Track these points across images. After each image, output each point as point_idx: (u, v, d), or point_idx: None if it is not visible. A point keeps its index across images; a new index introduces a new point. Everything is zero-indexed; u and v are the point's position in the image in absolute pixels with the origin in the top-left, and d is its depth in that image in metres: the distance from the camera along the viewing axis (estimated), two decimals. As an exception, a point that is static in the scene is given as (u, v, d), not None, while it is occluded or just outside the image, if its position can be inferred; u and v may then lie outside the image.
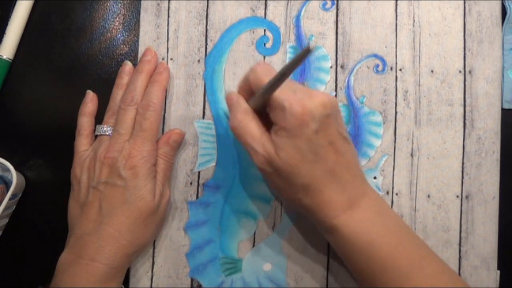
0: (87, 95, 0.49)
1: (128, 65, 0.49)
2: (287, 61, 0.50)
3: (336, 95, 0.50)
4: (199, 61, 0.50)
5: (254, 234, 0.49)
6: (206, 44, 0.50)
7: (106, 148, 0.45)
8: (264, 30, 0.50)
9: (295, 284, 0.49)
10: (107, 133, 0.46)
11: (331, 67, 0.50)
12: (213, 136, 0.49)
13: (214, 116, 0.49)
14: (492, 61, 0.49)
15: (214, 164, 0.49)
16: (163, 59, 0.50)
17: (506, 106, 0.49)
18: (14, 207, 0.50)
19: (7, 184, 0.48)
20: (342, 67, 0.50)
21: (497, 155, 0.49)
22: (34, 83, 0.50)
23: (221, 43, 0.50)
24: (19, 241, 0.50)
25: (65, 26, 0.51)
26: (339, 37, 0.50)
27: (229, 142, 0.49)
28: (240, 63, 0.50)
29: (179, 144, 0.48)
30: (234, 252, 0.49)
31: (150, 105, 0.45)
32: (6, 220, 0.49)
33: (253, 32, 0.50)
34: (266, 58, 0.50)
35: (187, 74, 0.50)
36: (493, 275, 0.48)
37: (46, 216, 0.50)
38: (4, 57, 0.49)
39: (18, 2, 0.49)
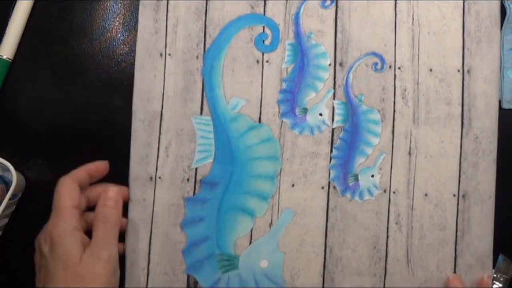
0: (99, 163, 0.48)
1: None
2: (286, 58, 0.50)
3: (334, 93, 0.50)
4: (197, 57, 0.50)
5: (251, 231, 0.49)
6: (205, 40, 0.50)
7: None
8: (263, 27, 0.50)
9: (291, 281, 0.49)
10: None
11: (329, 64, 0.50)
12: (210, 132, 0.49)
13: (212, 113, 0.49)
14: (491, 61, 0.49)
15: (211, 160, 0.49)
16: (161, 54, 0.50)
17: (506, 106, 0.49)
18: (14, 207, 0.50)
19: (7, 184, 0.48)
20: (340, 64, 0.50)
21: (493, 155, 0.49)
22: (34, 83, 0.50)
23: (219, 39, 0.50)
24: (19, 241, 0.50)
25: (65, 26, 0.51)
26: (338, 35, 0.50)
27: (227, 138, 0.49)
28: (239, 60, 0.49)
29: (117, 202, 0.45)
30: (231, 249, 0.49)
31: None
32: (6, 220, 0.49)
33: (252, 29, 0.50)
34: (265, 55, 0.50)
35: (185, 70, 0.49)
36: (488, 274, 0.48)
37: (46, 216, 0.48)
38: (4, 57, 0.49)
39: (18, 2, 0.49)
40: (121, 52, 0.51)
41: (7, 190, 0.46)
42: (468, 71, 0.49)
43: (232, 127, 0.49)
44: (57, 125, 0.50)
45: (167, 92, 0.49)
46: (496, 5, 0.49)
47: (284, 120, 0.49)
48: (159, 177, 0.49)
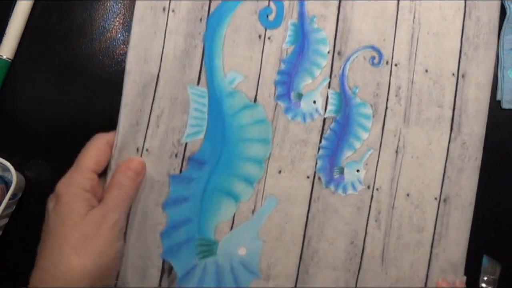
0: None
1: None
2: (287, 38, 0.47)
3: (330, 82, 0.48)
4: (201, 19, 0.45)
5: (234, 216, 0.46)
6: (210, 2, 0.46)
7: None
8: (269, 1, 0.47)
9: (268, 270, 0.47)
10: None
11: (328, 52, 0.48)
12: (205, 106, 0.45)
13: (208, 84, 0.45)
14: (486, 68, 0.50)
15: (202, 136, 0.45)
16: (164, 9, 0.45)
17: (506, 106, 0.50)
18: (14, 207, 0.49)
19: (7, 184, 0.48)
20: (339, 53, 0.48)
21: (478, 162, 0.50)
22: (34, 83, 0.50)
23: (225, 4, 0.46)
24: (19, 241, 0.49)
25: (65, 26, 0.51)
26: (340, 23, 0.48)
27: (220, 115, 0.45)
28: (241, 32, 0.46)
29: (139, 174, 0.43)
30: (211, 234, 0.46)
31: None
32: (6, 220, 0.49)
33: (257, 0, 0.47)
34: (268, 31, 0.47)
35: (187, 31, 0.45)
36: (461, 279, 0.49)
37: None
38: (4, 57, 0.49)
39: (18, 2, 0.49)
40: (121, 52, 0.50)
41: (7, 190, 0.46)
42: (463, 76, 0.49)
43: (227, 103, 0.46)
44: (57, 125, 0.50)
45: (166, 54, 0.45)
46: (496, 12, 0.50)
47: (279, 102, 0.47)
48: (147, 149, 0.44)
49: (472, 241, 0.49)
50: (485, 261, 0.46)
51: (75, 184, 0.40)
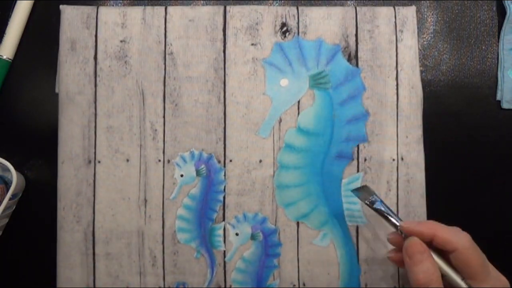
0: None
1: None
2: None
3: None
4: None
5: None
6: None
7: None
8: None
9: None
10: None
11: None
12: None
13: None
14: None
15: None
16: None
17: (506, 106, 0.50)
18: (14, 207, 0.50)
19: (7, 184, 0.49)
20: None
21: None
22: (34, 83, 0.51)
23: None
24: (19, 241, 0.50)
25: None
26: None
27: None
28: None
29: None
30: None
31: None
32: (6, 220, 0.50)
33: None
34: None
35: None
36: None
37: (46, 216, 0.49)
38: (4, 57, 0.50)
39: (18, 2, 0.50)
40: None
41: (7, 190, 0.47)
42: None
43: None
44: (57, 125, 0.49)
45: None
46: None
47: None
48: None
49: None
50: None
51: None
